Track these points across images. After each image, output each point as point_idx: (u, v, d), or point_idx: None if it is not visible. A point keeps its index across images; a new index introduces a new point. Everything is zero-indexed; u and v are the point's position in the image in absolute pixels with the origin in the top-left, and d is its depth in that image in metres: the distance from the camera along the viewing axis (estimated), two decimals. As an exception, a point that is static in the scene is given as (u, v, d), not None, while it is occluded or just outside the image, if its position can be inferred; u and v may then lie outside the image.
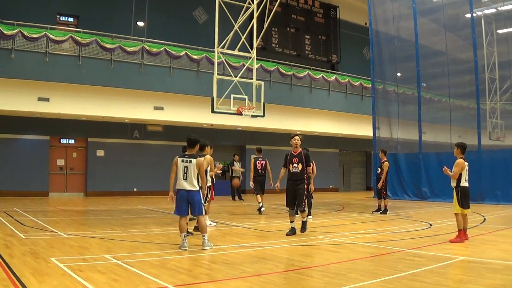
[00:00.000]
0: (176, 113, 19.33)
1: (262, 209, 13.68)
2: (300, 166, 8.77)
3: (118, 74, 17.55)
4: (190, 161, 7.21)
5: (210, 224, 10.34)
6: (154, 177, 20.38)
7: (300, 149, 8.92)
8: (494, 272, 5.79)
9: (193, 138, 7.53)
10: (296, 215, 9.17)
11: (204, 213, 7.45)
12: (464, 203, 8.25)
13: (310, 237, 8.70)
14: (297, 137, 8.91)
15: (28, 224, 10.00)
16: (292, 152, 8.95)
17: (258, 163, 14.51)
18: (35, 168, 18.88)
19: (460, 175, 8.37)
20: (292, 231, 8.81)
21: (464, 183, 8.39)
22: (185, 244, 7.20)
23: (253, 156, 15.49)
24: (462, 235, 8.07)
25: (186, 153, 7.45)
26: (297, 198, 8.76)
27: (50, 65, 16.27)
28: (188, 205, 7.28)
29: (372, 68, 21.63)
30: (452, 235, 8.90)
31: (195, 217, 7.93)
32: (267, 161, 14.63)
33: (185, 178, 7.20)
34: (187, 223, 7.80)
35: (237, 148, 24.22)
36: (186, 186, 7.19)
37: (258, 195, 14.02)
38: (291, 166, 8.84)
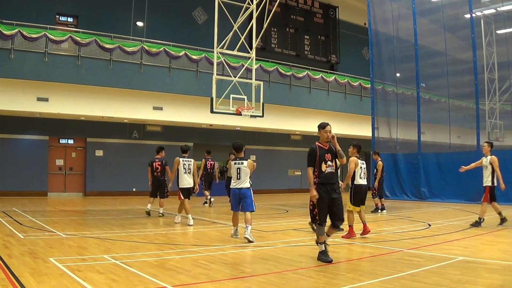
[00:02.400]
0: (175, 113, 19.33)
1: (212, 199, 15.84)
2: (334, 165, 6.65)
3: (117, 74, 17.54)
4: (242, 163, 8.27)
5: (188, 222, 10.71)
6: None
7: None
8: (493, 272, 5.80)
9: (240, 143, 8.58)
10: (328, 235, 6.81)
11: (254, 209, 8.32)
12: (355, 201, 8.84)
13: (309, 237, 8.70)
14: (330, 127, 6.66)
15: (27, 224, 9.99)
16: (322, 146, 6.66)
17: (208, 163, 16.37)
18: (34, 168, 18.87)
19: (354, 172, 8.85)
20: (327, 257, 6.37)
21: (359, 181, 8.90)
22: (237, 233, 8.57)
23: (204, 157, 16.70)
24: (351, 231, 8.60)
25: (237, 156, 8.52)
26: (337, 210, 6.52)
27: (49, 65, 16.26)
28: (240, 201, 8.26)
29: (371, 69, 21.64)
30: (451, 235, 8.92)
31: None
32: (215, 162, 16.80)
33: (238, 178, 8.24)
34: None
35: (236, 148, 24.19)
36: (239, 185, 8.22)
37: (207, 191, 16.20)
38: (323, 165, 6.54)
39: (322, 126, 6.71)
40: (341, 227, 7.02)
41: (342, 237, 8.52)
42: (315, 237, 6.69)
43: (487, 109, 20.99)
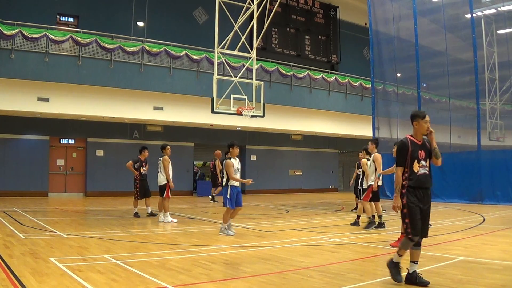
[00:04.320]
0: (176, 113, 19.33)
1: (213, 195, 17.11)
2: (428, 165, 5.34)
3: (118, 74, 17.54)
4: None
5: (171, 220, 11.01)
6: (154, 177, 20.31)
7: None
8: (494, 273, 5.79)
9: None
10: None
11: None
12: None
13: (310, 237, 8.70)
14: (428, 118, 5.31)
15: (28, 224, 10.00)
16: (416, 140, 5.31)
17: (211, 163, 17.10)
18: (34, 168, 18.88)
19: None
20: (398, 275, 5.27)
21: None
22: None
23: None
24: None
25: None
26: (428, 219, 5.41)
27: (50, 65, 16.27)
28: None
29: (372, 69, 21.61)
30: (452, 235, 8.90)
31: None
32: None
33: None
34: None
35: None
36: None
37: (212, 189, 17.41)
38: (416, 165, 5.23)
39: (421, 115, 5.30)
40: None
41: (391, 245, 7.72)
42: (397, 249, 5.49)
43: (488, 109, 20.98)
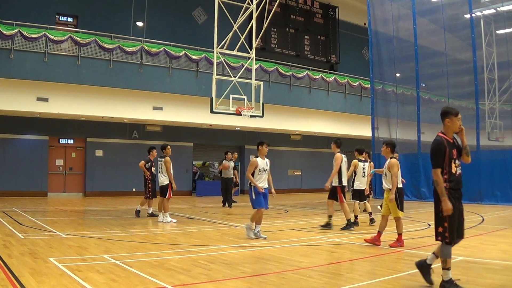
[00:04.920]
0: (175, 113, 19.32)
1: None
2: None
3: (117, 74, 17.53)
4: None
5: (171, 220, 10.99)
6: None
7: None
8: (493, 273, 5.80)
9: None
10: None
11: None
12: (401, 205, 7.79)
13: (309, 237, 8.70)
14: (460, 115, 5.10)
15: (27, 224, 9.99)
16: (449, 139, 5.03)
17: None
18: (34, 168, 18.86)
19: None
20: None
21: (399, 183, 7.86)
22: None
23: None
24: (401, 239, 7.71)
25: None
26: (461, 224, 5.07)
27: (49, 65, 16.25)
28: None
29: (371, 69, 21.63)
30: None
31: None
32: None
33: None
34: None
35: (236, 148, 24.22)
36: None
37: None
38: (453, 165, 4.97)
39: (454, 112, 5.03)
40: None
41: (390, 245, 7.64)
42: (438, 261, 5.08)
43: (487, 109, 20.98)
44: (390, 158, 7.91)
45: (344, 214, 9.99)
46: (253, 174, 8.47)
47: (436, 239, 4.98)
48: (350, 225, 9.91)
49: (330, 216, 10.05)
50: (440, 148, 4.90)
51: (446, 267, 4.87)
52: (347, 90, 24.05)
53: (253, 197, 8.50)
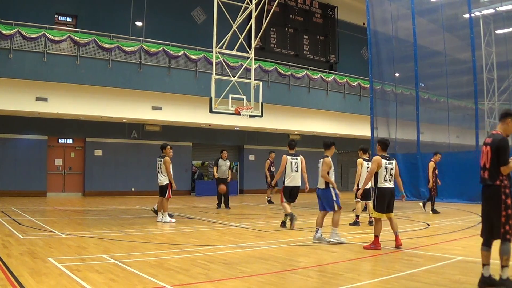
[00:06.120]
0: (174, 113, 19.31)
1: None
2: None
3: (116, 74, 17.52)
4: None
5: (170, 220, 10.97)
6: (152, 177, 20.21)
7: None
8: (492, 272, 5.79)
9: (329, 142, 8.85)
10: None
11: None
12: (378, 206, 7.64)
13: (308, 237, 8.69)
14: None
15: (26, 224, 9.98)
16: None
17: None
18: (33, 168, 18.84)
19: (377, 174, 7.68)
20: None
21: (384, 183, 7.68)
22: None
23: None
24: (377, 242, 7.50)
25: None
26: None
27: (48, 65, 16.23)
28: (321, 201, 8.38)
29: (370, 68, 21.61)
30: (451, 235, 8.91)
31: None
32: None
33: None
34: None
35: (235, 148, 24.23)
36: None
37: None
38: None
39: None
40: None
41: (364, 247, 7.55)
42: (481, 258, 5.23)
43: (486, 109, 20.99)
44: (380, 155, 7.79)
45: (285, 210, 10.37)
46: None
47: (504, 240, 5.04)
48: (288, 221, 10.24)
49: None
50: (507, 146, 4.95)
51: (506, 265, 4.92)
52: (346, 90, 24.06)
53: (334, 198, 8.19)
